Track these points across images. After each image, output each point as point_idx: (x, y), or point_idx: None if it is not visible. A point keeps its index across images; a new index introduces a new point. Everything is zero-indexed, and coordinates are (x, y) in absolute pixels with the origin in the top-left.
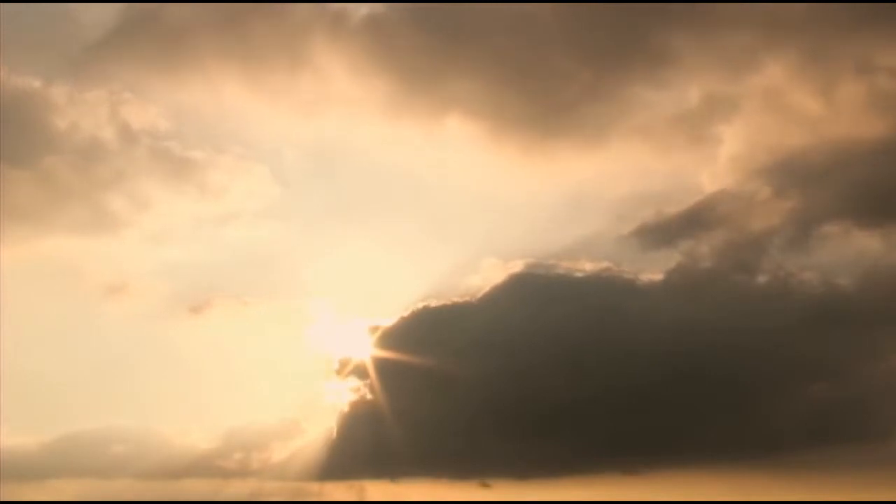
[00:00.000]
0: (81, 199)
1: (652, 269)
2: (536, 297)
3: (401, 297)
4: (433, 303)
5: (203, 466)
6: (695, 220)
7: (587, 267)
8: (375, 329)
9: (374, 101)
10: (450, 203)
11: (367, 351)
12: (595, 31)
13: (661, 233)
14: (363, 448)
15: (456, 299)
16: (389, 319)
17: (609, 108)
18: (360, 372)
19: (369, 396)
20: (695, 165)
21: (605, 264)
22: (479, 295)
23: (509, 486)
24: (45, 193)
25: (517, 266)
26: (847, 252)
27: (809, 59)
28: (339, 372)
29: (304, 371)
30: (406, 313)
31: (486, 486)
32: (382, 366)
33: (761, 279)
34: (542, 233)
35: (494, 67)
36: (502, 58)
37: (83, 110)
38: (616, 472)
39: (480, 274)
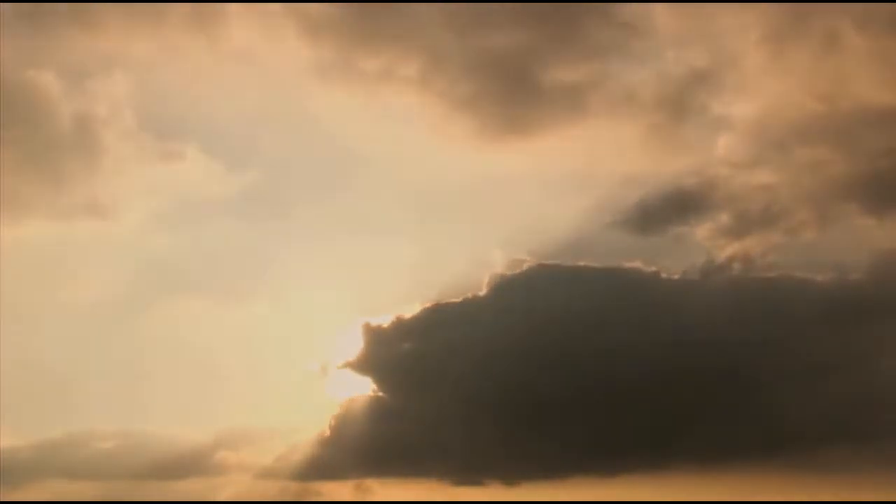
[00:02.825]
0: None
1: (649, 262)
2: (534, 294)
3: (397, 295)
4: (436, 301)
5: (201, 465)
6: (687, 207)
7: (582, 261)
8: (372, 328)
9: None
10: (435, 190)
11: (365, 350)
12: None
13: (653, 221)
14: (359, 447)
15: (454, 298)
16: (386, 317)
17: (581, 82)
18: (357, 370)
19: (366, 395)
20: (684, 147)
21: (600, 258)
22: (473, 294)
23: (508, 486)
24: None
25: (503, 264)
26: (853, 239)
27: (800, 18)
28: (334, 370)
29: (301, 369)
30: (403, 312)
31: (483, 485)
32: (379, 365)
33: (762, 271)
34: (531, 225)
35: (441, 35)
36: (450, 24)
37: None
38: (617, 471)
39: (465, 270)
